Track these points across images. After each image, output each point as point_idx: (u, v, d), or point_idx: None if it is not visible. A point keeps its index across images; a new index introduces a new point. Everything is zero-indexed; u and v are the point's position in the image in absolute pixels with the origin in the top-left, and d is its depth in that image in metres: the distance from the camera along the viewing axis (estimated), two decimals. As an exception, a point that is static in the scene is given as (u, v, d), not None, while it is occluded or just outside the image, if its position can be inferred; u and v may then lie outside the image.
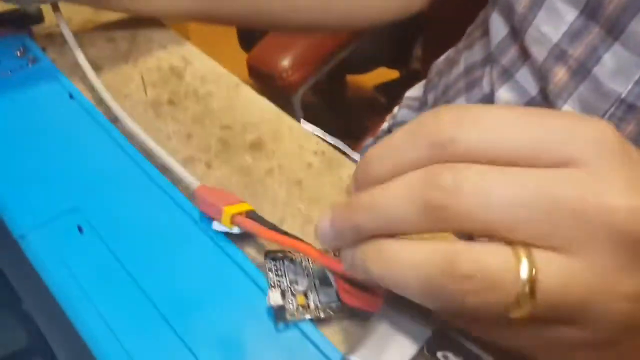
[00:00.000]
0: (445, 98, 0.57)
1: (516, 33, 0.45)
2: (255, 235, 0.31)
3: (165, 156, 0.35)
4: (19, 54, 0.44)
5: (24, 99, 0.40)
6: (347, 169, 0.36)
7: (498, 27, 0.48)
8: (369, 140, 0.70)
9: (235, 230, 0.31)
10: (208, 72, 0.43)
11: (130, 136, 0.37)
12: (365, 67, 1.22)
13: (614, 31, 0.38)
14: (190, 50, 0.45)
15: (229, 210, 0.30)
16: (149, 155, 0.36)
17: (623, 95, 0.38)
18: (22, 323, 0.25)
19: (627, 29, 0.37)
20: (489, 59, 0.48)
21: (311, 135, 0.38)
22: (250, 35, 1.10)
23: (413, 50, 1.06)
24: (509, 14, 0.46)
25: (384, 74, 1.28)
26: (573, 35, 0.40)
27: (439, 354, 0.23)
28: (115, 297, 0.29)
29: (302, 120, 0.30)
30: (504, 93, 0.46)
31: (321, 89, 1.30)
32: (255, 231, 0.29)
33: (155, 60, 0.44)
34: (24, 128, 0.38)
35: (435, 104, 0.58)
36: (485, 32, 0.52)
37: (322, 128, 0.38)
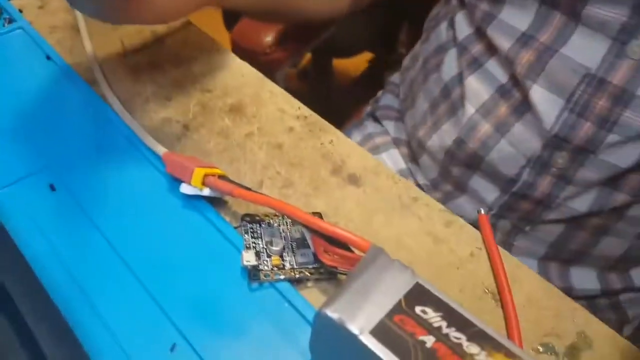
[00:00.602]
0: (411, 94, 0.57)
1: (481, 32, 0.45)
2: (228, 195, 0.29)
3: (134, 124, 0.34)
4: (-6, 14, 0.42)
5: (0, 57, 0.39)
6: (330, 135, 0.36)
7: (462, 27, 0.48)
8: (353, 122, 0.69)
9: (206, 192, 0.30)
10: (190, 37, 0.42)
11: (105, 98, 0.36)
12: (351, 50, 1.21)
13: (574, 16, 0.39)
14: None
15: (200, 171, 0.29)
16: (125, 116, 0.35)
17: (593, 71, 0.38)
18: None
19: (583, 13, 0.38)
20: (456, 47, 0.49)
21: (294, 100, 0.38)
22: (234, 16, 1.09)
23: (398, 34, 1.06)
24: (472, 15, 0.46)
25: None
26: (540, 23, 0.41)
27: (418, 309, 0.22)
28: (85, 255, 0.28)
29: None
30: (473, 81, 0.46)
31: (307, 73, 1.30)
32: (229, 191, 0.29)
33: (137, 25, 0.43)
34: (0, 85, 0.37)
35: (405, 99, 0.58)
36: (438, 23, 0.52)
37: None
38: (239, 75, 0.39)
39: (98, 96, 0.36)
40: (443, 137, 0.49)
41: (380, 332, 0.21)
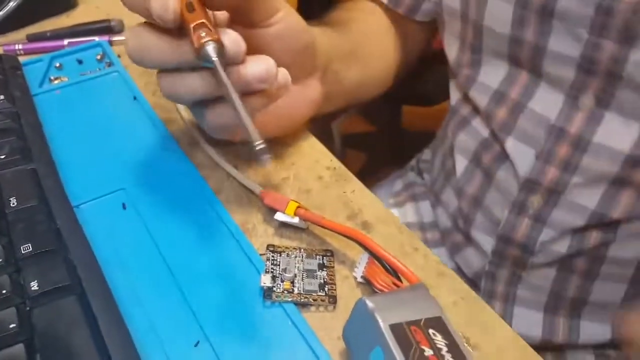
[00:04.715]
0: (432, 150, 0.65)
1: (466, 96, 0.52)
2: (316, 223, 0.37)
3: (231, 169, 0.42)
4: (98, 57, 0.52)
5: (96, 94, 0.48)
6: (352, 185, 0.42)
7: (453, 91, 0.56)
8: (397, 172, 0.74)
9: (295, 220, 0.37)
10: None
11: (181, 139, 0.44)
12: (433, 98, 1.17)
13: (536, 73, 0.45)
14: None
15: (293, 204, 0.37)
16: (191, 155, 0.43)
17: (552, 121, 0.44)
18: (66, 268, 0.32)
19: (542, 70, 0.44)
20: (451, 110, 0.57)
21: (328, 153, 0.45)
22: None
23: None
24: (457, 80, 0.53)
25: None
26: (510, 80, 0.47)
27: (431, 331, 0.29)
28: (143, 264, 0.36)
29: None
30: (462, 137, 0.53)
31: (375, 118, 1.35)
32: (317, 220, 0.36)
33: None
34: (93, 118, 0.46)
35: (433, 155, 0.66)
36: None
37: (365, 154, 0.45)
38: (286, 127, 0.46)
39: (170, 135, 0.45)
40: (453, 188, 0.55)
41: (396, 329, 0.28)
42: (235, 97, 0.30)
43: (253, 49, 0.32)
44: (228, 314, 0.34)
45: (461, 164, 0.53)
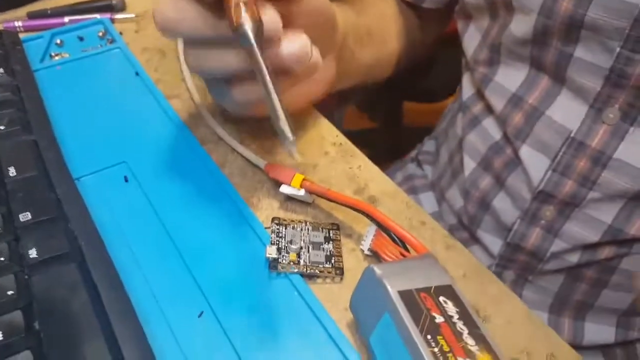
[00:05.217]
0: (437, 144, 0.63)
1: (480, 93, 0.50)
2: (322, 195, 0.36)
3: (235, 144, 0.41)
4: (100, 34, 0.51)
5: (97, 70, 0.48)
6: (359, 161, 0.41)
7: (466, 87, 0.53)
8: (397, 163, 0.74)
9: (301, 192, 0.36)
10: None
11: (183, 114, 0.43)
12: (438, 95, 1.17)
13: (558, 79, 0.43)
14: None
15: (299, 176, 0.37)
16: (194, 130, 0.42)
17: (573, 133, 0.42)
18: (67, 237, 0.31)
19: (566, 76, 0.42)
20: (461, 106, 0.54)
21: (334, 129, 0.44)
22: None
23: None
24: (473, 77, 0.51)
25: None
26: (529, 84, 0.45)
27: (441, 298, 0.28)
28: (145, 235, 0.35)
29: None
30: (472, 137, 0.51)
31: (376, 115, 1.34)
32: (321, 193, 0.36)
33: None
34: (94, 93, 0.45)
35: (438, 148, 0.64)
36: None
37: (365, 151, 0.44)
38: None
39: (173, 110, 0.44)
40: (459, 187, 0.54)
41: (406, 296, 0.27)
42: (269, 82, 0.28)
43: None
44: (232, 285, 0.33)
45: (469, 165, 0.52)
